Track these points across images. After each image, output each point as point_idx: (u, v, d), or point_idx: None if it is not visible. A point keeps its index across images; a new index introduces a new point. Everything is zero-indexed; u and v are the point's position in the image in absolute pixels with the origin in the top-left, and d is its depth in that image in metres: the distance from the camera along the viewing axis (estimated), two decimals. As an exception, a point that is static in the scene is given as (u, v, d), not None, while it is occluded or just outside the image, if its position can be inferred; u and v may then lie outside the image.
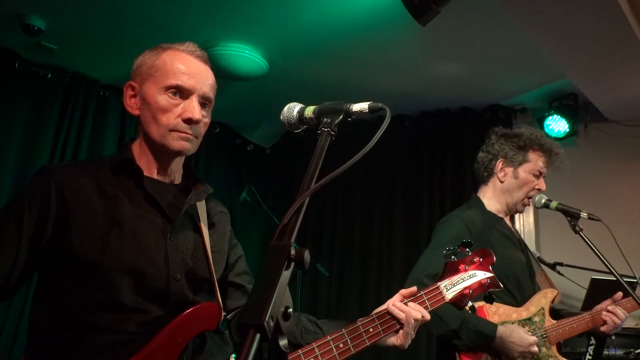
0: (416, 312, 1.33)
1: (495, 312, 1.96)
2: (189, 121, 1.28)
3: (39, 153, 3.64)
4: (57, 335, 1.15)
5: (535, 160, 2.18)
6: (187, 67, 1.30)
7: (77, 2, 3.07)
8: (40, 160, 3.60)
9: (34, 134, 3.67)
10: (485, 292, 1.51)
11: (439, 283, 1.45)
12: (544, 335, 1.98)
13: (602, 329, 2.08)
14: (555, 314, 2.13)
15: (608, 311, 2.07)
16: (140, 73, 1.33)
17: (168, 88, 1.28)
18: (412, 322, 1.32)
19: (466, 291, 1.46)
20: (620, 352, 2.75)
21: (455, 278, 1.47)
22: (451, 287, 1.45)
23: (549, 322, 2.03)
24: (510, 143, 2.19)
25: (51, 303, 1.18)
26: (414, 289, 1.39)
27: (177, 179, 1.39)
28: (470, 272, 1.49)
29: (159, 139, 1.28)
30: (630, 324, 3.11)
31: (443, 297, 1.43)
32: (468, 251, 1.53)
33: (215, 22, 3.27)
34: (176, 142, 1.28)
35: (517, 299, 2.05)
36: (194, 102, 1.29)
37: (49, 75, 3.78)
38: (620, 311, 2.08)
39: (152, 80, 1.30)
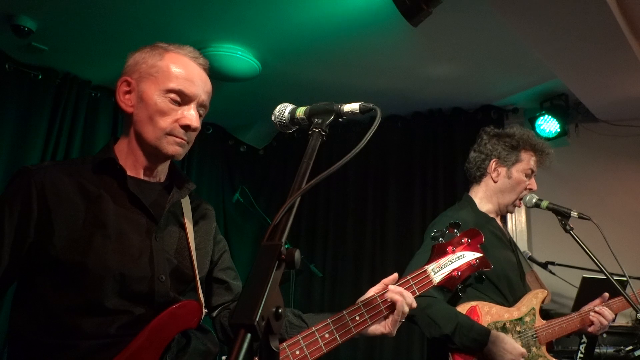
0: (410, 296, 1.29)
1: (488, 312, 1.97)
2: (186, 127, 1.28)
3: (29, 155, 3.61)
4: (39, 340, 1.13)
5: (527, 160, 2.19)
6: (190, 73, 1.30)
7: (68, 3, 3.05)
8: (31, 163, 3.57)
9: (24, 136, 3.64)
10: (475, 273, 1.47)
11: (426, 266, 1.40)
12: (534, 335, 2.00)
13: (590, 329, 2.10)
14: (545, 314, 2.14)
15: (595, 312, 2.09)
16: (138, 70, 1.30)
17: (169, 91, 1.26)
18: (406, 307, 1.27)
19: (455, 273, 1.41)
20: (611, 350, 2.77)
21: (442, 260, 1.42)
22: (439, 270, 1.40)
23: (540, 322, 2.04)
24: (503, 143, 2.20)
25: (33, 308, 1.16)
26: (394, 275, 1.35)
27: (162, 178, 1.38)
28: (459, 254, 1.44)
29: (152, 141, 1.27)
30: (621, 322, 3.14)
31: (431, 280, 1.38)
32: (456, 232, 1.48)
33: (207, 23, 3.27)
34: (170, 147, 1.27)
35: (509, 299, 2.06)
36: (193, 109, 1.29)
37: (40, 77, 3.76)
38: (607, 312, 2.09)
39: (153, 81, 1.27)
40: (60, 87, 3.85)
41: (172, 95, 1.26)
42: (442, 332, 1.87)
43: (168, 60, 1.29)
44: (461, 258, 1.45)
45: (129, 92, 1.30)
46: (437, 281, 1.39)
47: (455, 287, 1.42)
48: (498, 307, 2.00)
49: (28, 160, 3.58)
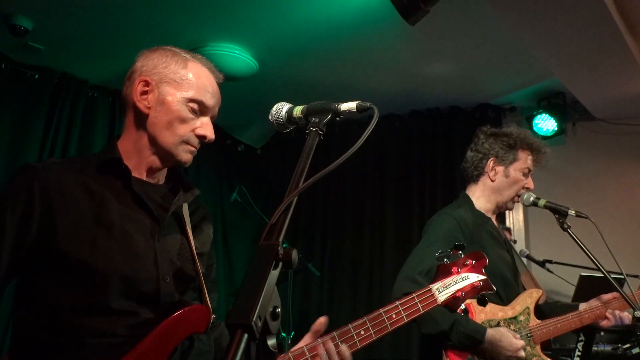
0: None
1: (482, 310, 1.97)
2: (202, 138, 1.31)
3: (26, 155, 3.60)
4: (42, 339, 1.12)
5: (525, 159, 2.20)
6: (212, 86, 1.34)
7: (65, 3, 3.04)
8: (29, 162, 3.56)
9: (21, 137, 3.63)
10: (477, 295, 1.50)
11: (431, 285, 1.44)
12: (529, 335, 2.01)
13: (602, 323, 2.12)
14: (540, 313, 2.15)
15: (614, 312, 2.11)
16: (158, 72, 1.30)
17: (191, 100, 1.29)
18: None
19: (459, 294, 1.45)
20: (608, 348, 2.78)
21: (447, 280, 1.46)
22: (444, 290, 1.44)
23: (534, 321, 2.05)
24: (501, 142, 2.21)
25: (36, 306, 1.15)
26: (322, 319, 1.25)
27: (162, 180, 1.38)
28: (463, 275, 1.48)
29: (168, 147, 1.28)
30: (618, 320, 3.15)
31: (435, 299, 1.42)
32: (461, 254, 1.52)
33: (204, 22, 3.26)
34: (185, 155, 1.30)
35: (503, 298, 2.07)
36: (209, 121, 1.33)
37: (37, 76, 3.75)
38: (627, 319, 2.10)
39: (176, 87, 1.29)
40: (57, 87, 3.84)
41: (192, 105, 1.29)
42: (440, 329, 1.87)
43: (191, 69, 1.31)
44: (465, 279, 1.48)
45: (146, 93, 1.30)
46: (442, 300, 1.43)
47: (458, 308, 1.45)
48: (492, 305, 2.00)
49: (25, 160, 3.57)
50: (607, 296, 2.14)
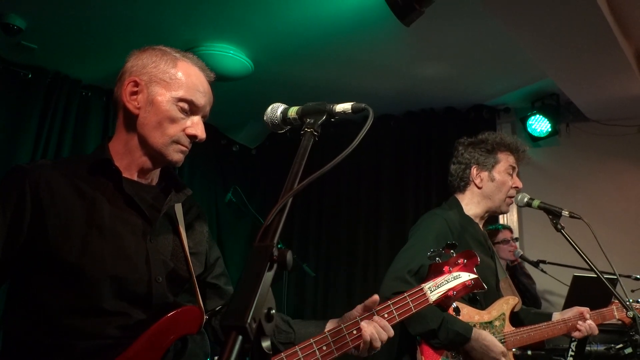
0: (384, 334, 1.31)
1: (459, 313, 1.99)
2: (193, 137, 1.31)
3: (19, 155, 3.58)
4: (34, 341, 1.12)
5: (505, 160, 2.24)
6: (202, 85, 1.33)
7: (58, 1, 3.02)
8: (22, 163, 3.54)
9: (14, 136, 3.61)
10: (469, 294, 1.51)
11: (422, 285, 1.45)
12: (502, 340, 2.03)
13: (575, 334, 2.16)
14: (516, 320, 2.17)
15: (585, 323, 2.13)
16: (147, 72, 1.29)
17: (180, 100, 1.28)
18: (378, 343, 1.29)
19: (450, 293, 1.46)
20: (602, 348, 2.80)
21: (439, 280, 1.47)
22: (435, 289, 1.45)
23: (509, 328, 2.07)
24: (479, 149, 2.26)
25: (27, 308, 1.15)
26: (375, 297, 1.35)
27: (155, 180, 1.38)
28: (455, 274, 1.49)
29: (158, 147, 1.27)
30: (612, 320, 3.16)
31: (427, 299, 1.43)
32: (452, 252, 1.53)
33: (199, 22, 3.26)
34: (176, 155, 1.30)
35: (482, 303, 2.09)
36: (200, 120, 1.32)
37: (30, 76, 3.72)
38: (595, 330, 2.15)
39: (165, 86, 1.28)
40: (50, 87, 3.82)
41: (182, 104, 1.28)
42: (429, 327, 1.89)
43: (181, 68, 1.31)
44: (457, 278, 1.49)
45: (135, 93, 1.29)
46: (434, 300, 1.44)
47: (450, 307, 1.46)
48: (469, 308, 2.01)
49: (18, 160, 3.55)
50: (581, 309, 2.18)
